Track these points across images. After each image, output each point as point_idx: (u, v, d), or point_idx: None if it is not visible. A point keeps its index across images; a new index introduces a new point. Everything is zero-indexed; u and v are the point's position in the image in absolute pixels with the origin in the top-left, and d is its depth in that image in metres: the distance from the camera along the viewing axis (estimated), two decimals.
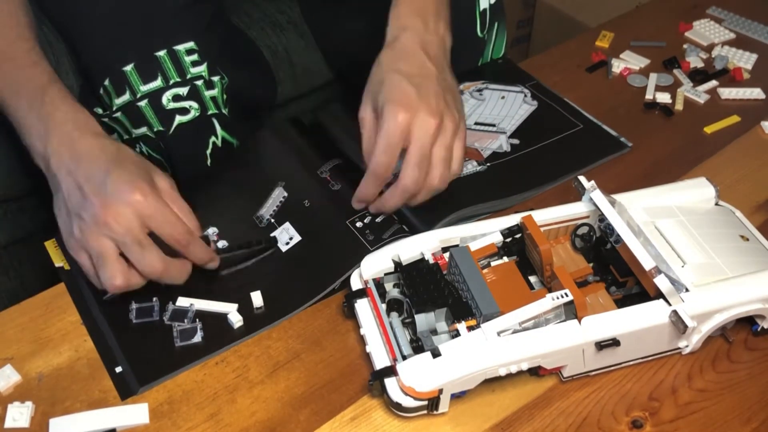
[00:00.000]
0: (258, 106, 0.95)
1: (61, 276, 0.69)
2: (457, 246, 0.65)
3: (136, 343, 0.63)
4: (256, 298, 0.66)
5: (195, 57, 0.76)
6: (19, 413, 0.58)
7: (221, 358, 0.63)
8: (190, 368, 0.62)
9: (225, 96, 0.80)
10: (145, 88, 0.74)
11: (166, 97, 0.75)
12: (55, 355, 0.63)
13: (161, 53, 0.74)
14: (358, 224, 0.72)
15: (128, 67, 0.73)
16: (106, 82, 0.74)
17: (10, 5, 0.70)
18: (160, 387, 0.61)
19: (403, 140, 0.66)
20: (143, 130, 0.76)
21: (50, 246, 0.71)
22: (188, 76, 0.76)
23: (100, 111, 0.78)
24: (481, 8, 0.90)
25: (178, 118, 0.76)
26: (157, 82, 0.74)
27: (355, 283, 0.65)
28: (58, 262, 0.70)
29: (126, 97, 0.74)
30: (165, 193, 0.64)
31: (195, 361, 0.62)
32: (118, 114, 0.75)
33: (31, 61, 0.68)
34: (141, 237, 0.60)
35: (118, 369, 0.61)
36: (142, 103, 0.74)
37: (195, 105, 0.76)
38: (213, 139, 0.80)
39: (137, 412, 0.59)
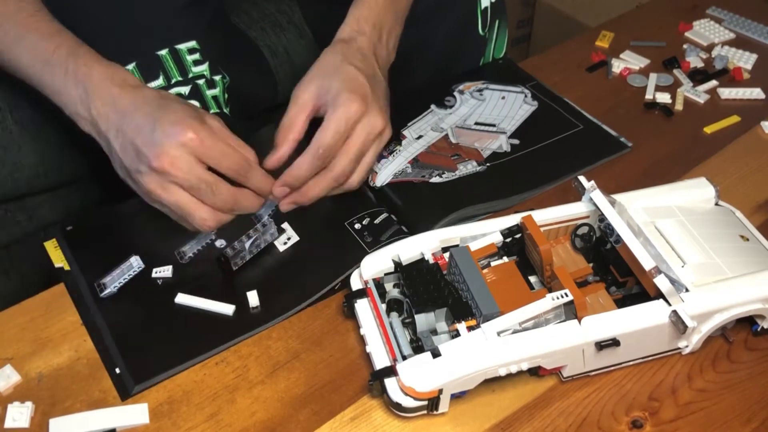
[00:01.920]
0: (258, 105, 0.96)
1: (61, 276, 0.69)
2: (457, 246, 0.65)
3: (133, 343, 0.63)
4: (252, 298, 0.66)
5: (197, 56, 0.76)
6: (19, 413, 0.58)
7: (221, 358, 0.63)
8: (186, 368, 0.62)
9: (226, 95, 0.80)
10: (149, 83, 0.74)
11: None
12: (55, 355, 0.63)
13: (163, 52, 0.74)
14: (357, 226, 0.72)
15: (130, 66, 0.73)
16: None
17: None
18: (160, 387, 0.61)
19: (351, 129, 0.66)
20: None
21: (50, 246, 0.71)
22: (190, 75, 0.76)
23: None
24: (483, 6, 0.90)
25: None
26: (159, 81, 0.74)
27: (355, 283, 0.65)
28: (58, 262, 0.70)
29: None
30: (215, 129, 0.62)
31: (191, 360, 0.62)
32: None
33: (55, 29, 0.66)
34: (203, 175, 0.60)
35: (118, 370, 0.61)
36: None
37: (196, 104, 0.77)
38: None
39: (137, 412, 0.59)
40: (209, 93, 0.78)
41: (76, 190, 0.92)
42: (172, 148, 0.59)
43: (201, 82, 0.77)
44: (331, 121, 0.65)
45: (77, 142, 0.85)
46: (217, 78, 0.78)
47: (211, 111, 0.78)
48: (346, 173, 0.67)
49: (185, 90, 0.76)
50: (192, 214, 0.61)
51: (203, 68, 0.77)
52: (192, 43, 0.76)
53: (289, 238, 0.71)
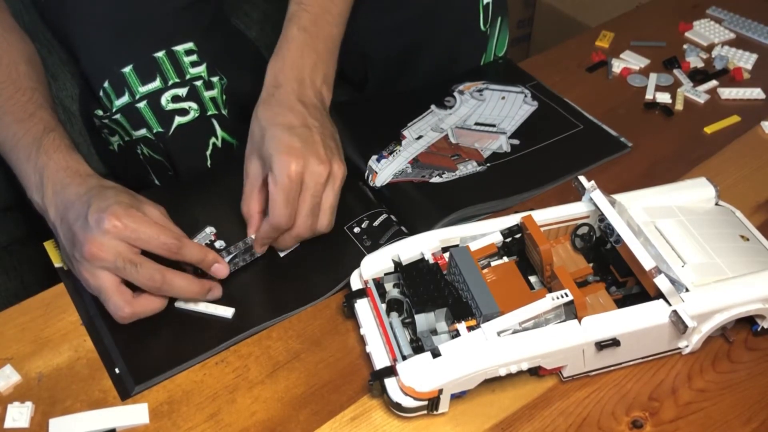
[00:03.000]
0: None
1: (61, 276, 0.69)
2: (457, 246, 0.65)
3: (133, 343, 0.63)
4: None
5: (194, 57, 0.76)
6: (19, 413, 0.58)
7: (221, 358, 0.63)
8: (186, 368, 0.62)
9: (224, 97, 0.80)
10: (143, 89, 0.74)
11: (165, 98, 0.75)
12: (54, 355, 0.63)
13: (160, 54, 0.74)
14: (356, 229, 0.72)
15: (127, 69, 0.73)
16: (106, 84, 0.74)
17: (10, 55, 0.71)
18: (160, 387, 0.61)
19: (299, 189, 0.66)
20: (143, 131, 0.76)
21: (50, 246, 0.71)
22: (187, 77, 0.76)
23: (100, 113, 0.78)
24: (484, 2, 0.90)
25: (178, 119, 0.76)
26: (156, 83, 0.74)
27: (355, 283, 0.65)
28: (58, 262, 0.70)
29: (125, 98, 0.74)
30: (146, 214, 0.63)
31: (190, 360, 0.62)
32: (118, 116, 0.75)
33: (28, 114, 0.68)
34: (131, 256, 0.61)
35: (118, 370, 0.61)
36: (141, 105, 0.74)
37: (194, 106, 0.76)
38: (213, 140, 0.80)
39: (137, 412, 0.59)
40: (207, 94, 0.78)
41: None
42: (99, 234, 0.60)
43: (198, 83, 0.76)
44: (276, 194, 0.65)
45: (79, 151, 0.86)
46: (215, 79, 0.78)
47: (209, 113, 0.78)
48: (309, 227, 0.68)
49: (183, 92, 0.76)
50: (108, 299, 0.61)
51: (201, 69, 0.77)
52: (189, 45, 0.76)
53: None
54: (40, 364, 0.62)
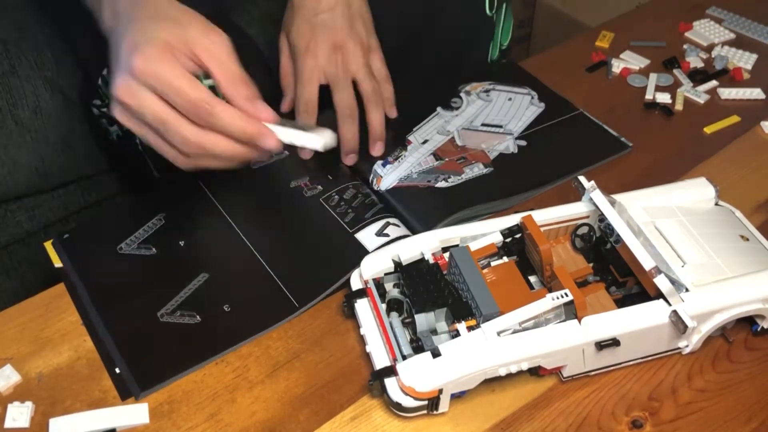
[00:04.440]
0: None
1: (61, 276, 0.69)
2: (457, 246, 0.65)
3: (135, 348, 0.63)
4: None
5: None
6: (19, 413, 0.58)
7: (221, 358, 0.63)
8: (191, 371, 0.62)
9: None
10: None
11: None
12: (55, 355, 0.63)
13: None
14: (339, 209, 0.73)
15: None
16: (105, 72, 0.73)
17: None
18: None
19: (318, 77, 0.72)
20: None
21: (50, 246, 0.71)
22: None
23: (98, 103, 0.77)
24: None
25: None
26: None
27: (355, 283, 0.65)
28: (58, 262, 0.70)
29: None
30: (209, 52, 0.57)
31: (196, 366, 0.62)
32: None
33: None
34: (158, 111, 0.55)
35: (118, 369, 0.61)
36: None
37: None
38: None
39: (137, 412, 0.59)
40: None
41: (76, 190, 0.92)
42: (122, 75, 0.54)
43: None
44: (298, 86, 0.71)
45: (77, 143, 0.85)
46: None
47: None
48: (352, 108, 0.73)
49: None
50: (162, 150, 0.57)
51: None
52: None
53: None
54: (40, 364, 0.62)
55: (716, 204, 0.70)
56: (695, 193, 0.69)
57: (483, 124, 0.85)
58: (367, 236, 0.70)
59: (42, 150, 0.84)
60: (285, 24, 0.77)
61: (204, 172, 0.76)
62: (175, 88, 0.54)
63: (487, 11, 0.91)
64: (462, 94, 0.89)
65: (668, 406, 0.59)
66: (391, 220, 0.71)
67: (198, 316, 0.65)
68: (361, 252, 0.68)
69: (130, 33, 0.56)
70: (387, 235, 0.69)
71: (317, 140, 0.64)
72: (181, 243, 0.71)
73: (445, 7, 0.89)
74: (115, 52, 0.57)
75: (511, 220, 0.67)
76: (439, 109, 0.87)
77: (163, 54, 0.54)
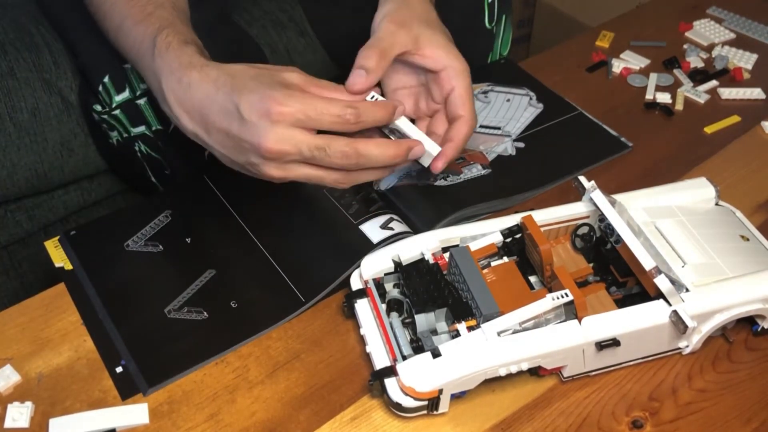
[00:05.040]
0: None
1: (61, 276, 0.69)
2: (457, 246, 0.65)
3: (144, 344, 0.63)
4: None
5: None
6: (19, 413, 0.58)
7: (221, 358, 0.63)
8: (198, 368, 0.62)
9: None
10: (144, 85, 0.73)
11: None
12: (55, 355, 0.63)
13: None
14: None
15: (129, 65, 0.73)
16: (106, 79, 0.73)
17: None
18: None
19: (400, 48, 0.65)
20: (141, 129, 0.76)
21: (50, 246, 0.71)
22: None
23: (99, 108, 0.77)
24: (489, 0, 0.90)
25: None
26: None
27: (355, 283, 0.65)
28: (58, 262, 0.70)
29: (126, 94, 0.74)
30: (298, 86, 0.57)
31: (203, 362, 0.62)
32: (117, 111, 0.75)
33: (146, 14, 0.63)
34: (312, 141, 0.55)
35: (119, 369, 0.61)
36: (142, 101, 0.74)
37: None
38: None
39: (137, 412, 0.59)
40: None
41: (76, 191, 0.92)
42: (270, 130, 0.54)
43: None
44: (372, 41, 0.64)
45: (76, 145, 0.86)
46: None
47: None
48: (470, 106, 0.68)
49: None
50: (323, 180, 0.58)
51: None
52: None
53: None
54: (40, 364, 0.62)
55: (716, 204, 0.70)
56: (695, 193, 0.69)
57: (481, 126, 0.85)
58: (371, 228, 0.70)
59: (41, 152, 0.84)
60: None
61: (210, 168, 0.77)
62: (319, 110, 0.55)
63: (487, 24, 0.91)
64: None
65: (668, 406, 0.59)
66: (394, 216, 0.71)
67: (205, 312, 0.65)
68: (367, 244, 0.68)
69: (238, 89, 0.56)
70: (391, 228, 0.69)
71: (433, 145, 0.64)
72: (188, 240, 0.71)
73: (444, 20, 0.89)
74: (218, 127, 0.56)
75: (511, 220, 0.66)
76: None
77: (287, 90, 0.55)
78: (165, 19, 0.63)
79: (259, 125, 0.54)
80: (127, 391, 0.60)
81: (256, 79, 0.56)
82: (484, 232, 0.66)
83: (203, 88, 0.57)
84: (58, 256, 0.70)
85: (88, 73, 0.76)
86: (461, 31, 0.90)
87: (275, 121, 0.54)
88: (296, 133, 0.55)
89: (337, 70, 1.03)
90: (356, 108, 0.56)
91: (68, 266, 0.69)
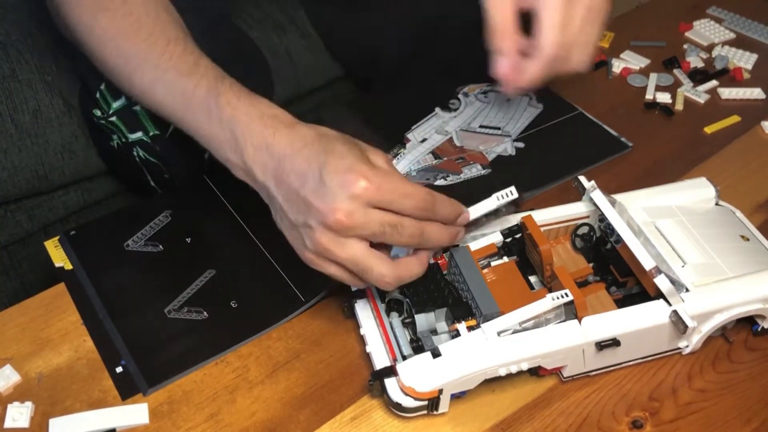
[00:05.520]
0: None
1: (61, 276, 0.69)
2: (457, 246, 0.65)
3: (144, 343, 0.63)
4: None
5: None
6: (19, 413, 0.58)
7: (221, 358, 0.63)
8: (196, 369, 0.62)
9: None
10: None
11: None
12: (55, 355, 0.63)
13: None
14: None
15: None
16: (102, 87, 0.74)
17: (146, 5, 0.62)
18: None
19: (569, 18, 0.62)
20: (139, 134, 0.76)
21: (50, 246, 0.71)
22: None
23: (98, 113, 0.77)
24: None
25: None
26: None
27: None
28: (58, 262, 0.70)
29: (122, 101, 0.74)
30: (384, 166, 0.55)
31: (204, 362, 0.62)
32: (114, 118, 0.75)
33: (192, 63, 0.60)
34: (385, 217, 0.53)
35: (119, 369, 0.61)
36: (138, 107, 0.74)
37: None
38: None
39: (137, 412, 0.59)
40: None
41: (76, 191, 0.92)
42: (346, 201, 0.52)
43: None
44: (545, 22, 0.61)
45: (77, 147, 0.85)
46: None
47: None
48: (560, 43, 0.63)
49: None
50: (371, 269, 0.54)
51: None
52: None
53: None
54: (40, 364, 0.62)
55: (716, 204, 0.70)
56: (695, 193, 0.69)
57: (481, 126, 0.85)
58: None
59: (42, 154, 0.84)
60: None
61: (209, 169, 0.77)
62: (405, 193, 0.54)
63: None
64: (460, 96, 0.89)
65: (668, 406, 0.59)
66: None
67: (205, 312, 0.65)
68: None
69: (328, 150, 0.54)
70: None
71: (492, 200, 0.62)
72: (188, 240, 0.71)
73: (444, 25, 0.89)
74: (291, 183, 0.54)
75: (511, 220, 0.66)
76: (437, 109, 0.87)
77: (375, 168, 0.54)
78: (215, 69, 0.60)
79: (337, 193, 0.52)
80: (127, 391, 0.60)
81: (345, 146, 0.54)
82: (485, 232, 0.66)
83: (290, 139, 0.55)
84: (58, 256, 0.70)
85: (86, 79, 0.75)
86: (460, 39, 0.89)
87: (355, 195, 0.52)
88: (369, 210, 0.53)
89: (340, 71, 1.03)
90: (434, 198, 0.55)
91: (68, 266, 0.69)
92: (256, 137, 0.55)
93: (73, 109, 0.85)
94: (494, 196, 0.60)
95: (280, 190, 0.55)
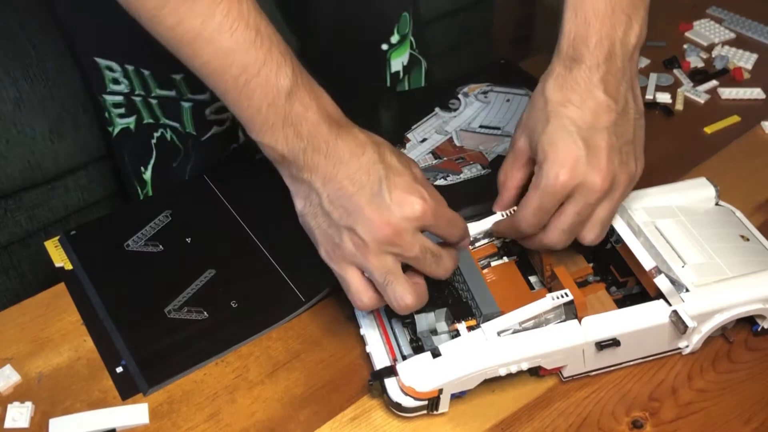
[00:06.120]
0: None
1: (61, 276, 0.69)
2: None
3: (144, 343, 0.63)
4: None
5: None
6: (19, 413, 0.58)
7: (221, 358, 0.63)
8: (199, 368, 0.62)
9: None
10: (191, 96, 0.73)
11: (209, 110, 0.74)
12: (55, 355, 0.63)
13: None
14: None
15: (178, 76, 0.73)
16: (148, 73, 0.73)
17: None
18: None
19: (559, 201, 0.57)
20: (176, 124, 0.75)
21: (50, 246, 0.71)
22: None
23: (121, 89, 0.76)
24: (393, 71, 0.88)
25: (215, 129, 0.75)
26: (205, 96, 0.74)
27: None
28: (58, 262, 0.70)
29: (172, 93, 0.73)
30: (435, 193, 0.56)
31: (204, 362, 0.62)
32: (155, 102, 0.74)
33: (254, 29, 0.53)
34: (428, 244, 0.54)
35: (119, 369, 0.61)
36: (186, 105, 0.73)
37: (230, 115, 0.74)
38: (234, 145, 0.79)
39: (137, 412, 0.59)
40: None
41: (76, 190, 0.92)
42: (401, 220, 0.52)
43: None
44: (531, 196, 0.58)
45: (66, 131, 0.85)
46: None
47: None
48: (564, 241, 0.59)
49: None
50: (397, 284, 0.54)
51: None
52: None
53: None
54: (40, 364, 0.62)
55: (716, 204, 0.70)
56: (696, 193, 0.69)
57: (481, 126, 0.85)
58: None
59: (29, 142, 0.82)
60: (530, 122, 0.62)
61: (209, 168, 0.77)
62: (452, 220, 0.55)
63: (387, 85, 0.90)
64: (460, 96, 0.89)
65: (668, 406, 0.59)
66: None
67: (205, 312, 0.65)
68: None
69: (385, 162, 0.54)
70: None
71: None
72: (188, 240, 0.71)
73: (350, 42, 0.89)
74: (346, 189, 0.54)
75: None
76: (437, 109, 0.87)
77: (430, 188, 0.54)
78: (279, 43, 0.55)
79: (394, 210, 0.52)
80: (127, 391, 0.60)
81: (400, 160, 0.55)
82: (484, 228, 0.66)
83: (349, 145, 0.54)
84: (58, 256, 0.70)
85: (84, 57, 0.74)
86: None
87: (411, 217, 0.52)
88: (418, 234, 0.54)
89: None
90: (462, 221, 0.57)
91: (68, 266, 0.69)
92: (319, 140, 0.54)
93: (59, 93, 0.83)
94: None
95: (327, 189, 0.54)
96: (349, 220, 0.53)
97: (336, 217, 0.54)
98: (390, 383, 0.57)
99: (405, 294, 0.54)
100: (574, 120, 0.57)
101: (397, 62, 0.88)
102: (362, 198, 0.53)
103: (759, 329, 0.63)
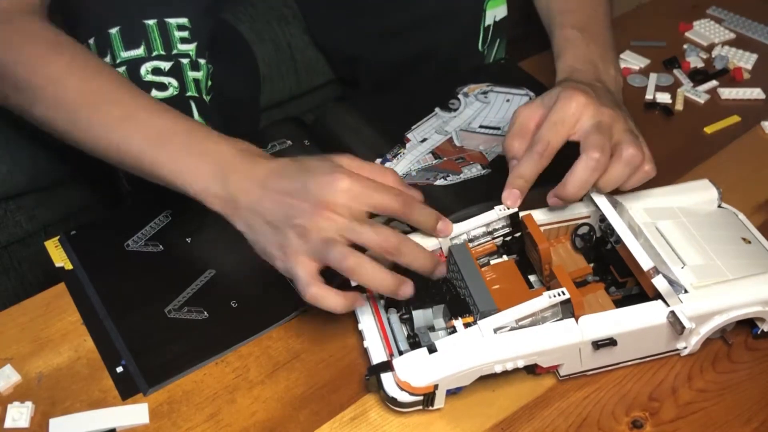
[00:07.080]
0: (239, 103, 0.94)
1: (61, 276, 0.69)
2: (457, 243, 0.65)
3: (144, 343, 0.63)
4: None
5: (185, 34, 0.75)
6: (19, 413, 0.58)
7: (221, 358, 0.63)
8: (199, 368, 0.62)
9: (209, 82, 0.79)
10: (125, 54, 0.72)
11: (145, 68, 0.73)
12: (55, 355, 0.63)
13: (150, 22, 0.73)
14: None
15: (113, 30, 0.72)
16: (91, 41, 0.73)
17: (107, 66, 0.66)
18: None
19: (573, 123, 0.63)
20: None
21: (50, 246, 0.71)
22: (173, 52, 0.74)
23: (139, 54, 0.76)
24: (486, 24, 0.90)
25: (155, 93, 0.74)
26: (139, 51, 0.73)
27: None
28: (58, 262, 0.70)
29: (106, 59, 0.73)
30: (356, 164, 0.60)
31: (203, 362, 0.62)
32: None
33: (164, 107, 0.63)
34: (365, 218, 0.57)
35: (119, 369, 0.62)
36: (120, 70, 0.73)
37: (174, 83, 0.74)
38: None
39: (137, 412, 0.59)
40: (191, 74, 0.76)
41: (76, 190, 0.92)
42: (333, 195, 0.56)
43: (185, 61, 0.75)
44: (550, 115, 0.64)
45: (50, 144, 0.85)
46: (202, 61, 0.77)
47: (189, 93, 0.76)
48: (603, 146, 0.62)
49: (165, 65, 0.74)
50: (348, 255, 0.55)
51: (190, 48, 0.75)
52: (183, 20, 0.74)
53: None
54: (40, 364, 0.62)
55: (719, 206, 0.70)
56: (698, 194, 0.69)
57: (481, 126, 0.85)
58: None
59: (29, 143, 0.82)
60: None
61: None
62: (379, 189, 0.57)
63: (479, 47, 0.91)
64: (460, 96, 0.89)
65: (668, 406, 0.59)
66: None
67: (205, 312, 0.65)
68: None
69: (305, 165, 0.59)
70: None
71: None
72: (188, 240, 0.71)
73: (439, 39, 0.89)
74: (275, 196, 0.58)
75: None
76: (437, 109, 0.86)
77: (350, 172, 0.58)
78: (188, 117, 0.64)
79: (324, 194, 0.56)
80: (127, 391, 0.60)
81: (319, 160, 0.59)
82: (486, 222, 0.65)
83: (270, 166, 0.59)
84: (58, 256, 0.70)
85: (75, 34, 0.74)
86: (454, 51, 0.90)
87: (341, 190, 0.56)
88: (353, 204, 0.56)
89: (331, 73, 1.03)
90: (412, 199, 0.59)
91: (68, 266, 0.69)
92: (240, 166, 0.59)
93: None
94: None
95: (263, 206, 0.58)
96: (290, 217, 0.57)
97: (278, 222, 0.57)
98: (386, 378, 0.57)
99: (359, 263, 0.55)
100: (583, 92, 0.64)
101: (491, 14, 0.91)
102: (295, 199, 0.56)
103: (759, 332, 0.63)
